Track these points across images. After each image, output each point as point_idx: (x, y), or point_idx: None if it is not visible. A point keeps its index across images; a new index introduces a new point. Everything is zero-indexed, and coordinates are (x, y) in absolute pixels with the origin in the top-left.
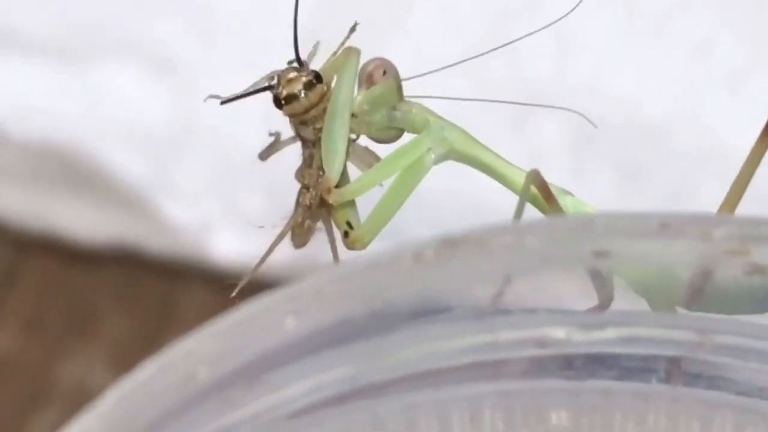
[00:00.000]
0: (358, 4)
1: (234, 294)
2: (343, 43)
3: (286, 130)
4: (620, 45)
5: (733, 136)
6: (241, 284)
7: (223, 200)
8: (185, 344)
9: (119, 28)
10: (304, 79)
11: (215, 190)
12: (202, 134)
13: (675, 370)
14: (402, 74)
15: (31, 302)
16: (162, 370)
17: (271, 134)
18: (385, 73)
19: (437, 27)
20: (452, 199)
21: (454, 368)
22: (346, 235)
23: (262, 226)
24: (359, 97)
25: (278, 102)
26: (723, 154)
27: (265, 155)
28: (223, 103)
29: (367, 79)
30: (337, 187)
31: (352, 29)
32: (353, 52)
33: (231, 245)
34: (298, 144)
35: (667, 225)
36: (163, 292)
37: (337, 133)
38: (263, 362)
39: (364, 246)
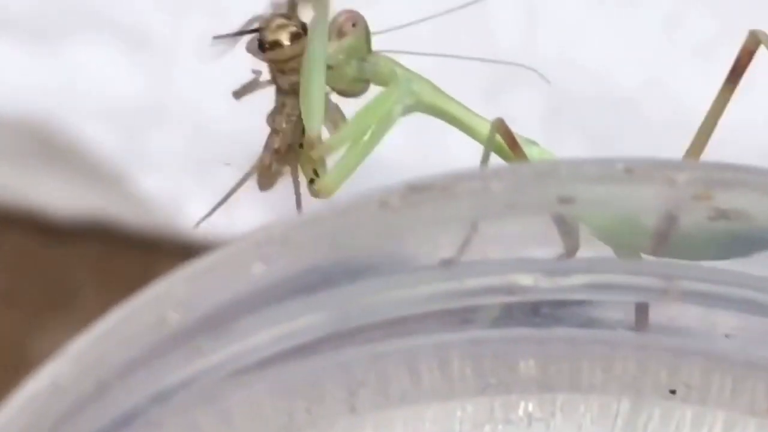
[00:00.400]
0: None
1: (195, 225)
2: None
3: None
4: (591, 15)
5: (703, 106)
6: (204, 217)
7: (196, 173)
8: (156, 288)
9: (92, 4)
10: (291, 28)
11: (189, 163)
12: (175, 108)
13: (641, 317)
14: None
15: (6, 277)
16: (130, 316)
17: (253, 71)
18: (354, 24)
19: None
20: (419, 154)
21: (422, 316)
22: (311, 182)
23: (228, 164)
24: (331, 47)
25: (261, 45)
26: (694, 124)
27: (239, 94)
28: (216, 38)
29: (337, 32)
30: None
31: None
32: (321, 3)
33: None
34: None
35: (631, 170)
36: (139, 265)
37: (315, 85)
38: (232, 309)
39: (329, 194)
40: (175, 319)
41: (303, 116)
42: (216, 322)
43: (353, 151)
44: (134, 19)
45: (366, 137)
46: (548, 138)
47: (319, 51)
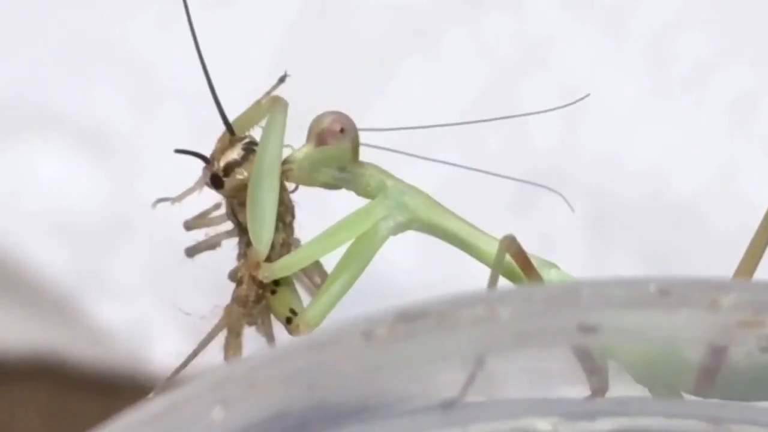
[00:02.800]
0: (337, 64)
1: (151, 396)
2: (269, 93)
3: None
4: (643, 109)
5: None
6: (163, 384)
7: (161, 300)
8: None
9: (40, 98)
10: (240, 144)
11: (153, 290)
12: (138, 223)
13: None
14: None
15: None
16: None
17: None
18: (342, 130)
19: (424, 87)
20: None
21: None
22: (288, 321)
23: (204, 317)
24: (304, 151)
25: (218, 181)
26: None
27: (192, 252)
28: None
29: (318, 136)
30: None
31: (281, 79)
32: (280, 103)
33: (172, 352)
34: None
35: (666, 292)
36: (96, 408)
37: (264, 198)
38: None
39: (309, 331)
40: None
41: (249, 229)
42: None
43: (335, 278)
44: (91, 118)
45: (350, 261)
46: (590, 255)
47: (271, 158)
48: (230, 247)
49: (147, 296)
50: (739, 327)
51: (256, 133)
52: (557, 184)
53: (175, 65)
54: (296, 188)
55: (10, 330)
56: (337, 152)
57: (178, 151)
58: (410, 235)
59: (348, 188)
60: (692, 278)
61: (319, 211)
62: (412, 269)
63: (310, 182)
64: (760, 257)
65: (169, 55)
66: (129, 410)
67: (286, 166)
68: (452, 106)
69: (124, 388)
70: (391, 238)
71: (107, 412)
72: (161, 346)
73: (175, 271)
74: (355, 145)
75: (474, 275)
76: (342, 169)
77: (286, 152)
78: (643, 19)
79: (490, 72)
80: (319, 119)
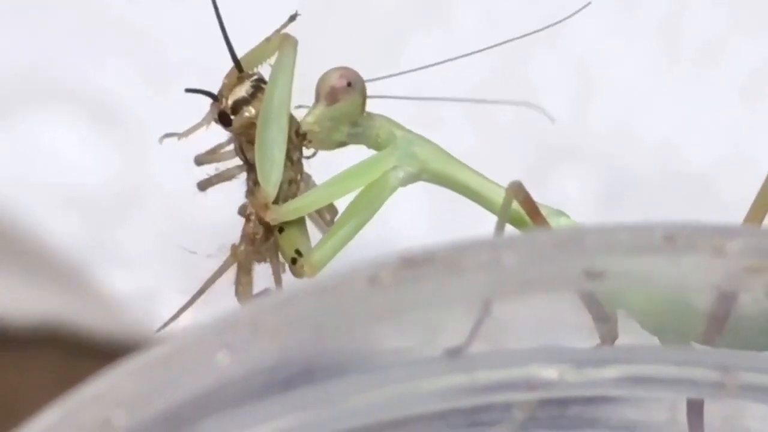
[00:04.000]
0: (348, 37)
1: (158, 330)
2: (278, 31)
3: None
4: (655, 82)
5: None
6: (171, 320)
7: (171, 268)
8: (98, 383)
9: (51, 73)
10: (249, 81)
11: (163, 259)
12: (148, 195)
13: (695, 418)
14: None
15: None
16: (69, 416)
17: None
18: (350, 84)
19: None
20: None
21: (424, 418)
22: (294, 262)
23: (210, 256)
24: (317, 113)
25: (226, 118)
26: None
27: (204, 185)
28: (165, 137)
29: (328, 95)
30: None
31: (292, 18)
32: (289, 40)
33: (183, 321)
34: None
35: (672, 238)
36: None
37: (272, 138)
38: (192, 407)
39: (314, 273)
40: (122, 422)
41: (257, 170)
42: (172, 426)
43: (342, 223)
44: (102, 92)
45: (357, 209)
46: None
47: (280, 98)
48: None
49: (156, 265)
50: (745, 273)
51: (264, 71)
52: (570, 158)
53: (187, 38)
54: (315, 153)
55: (22, 298)
56: (349, 107)
57: (188, 90)
58: (419, 195)
59: (359, 142)
60: (698, 224)
61: (327, 164)
62: (419, 234)
63: (326, 144)
64: None
65: (181, 27)
66: (134, 355)
67: (303, 130)
68: (464, 79)
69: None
70: (401, 192)
71: None
72: (170, 314)
73: (185, 242)
74: (364, 97)
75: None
76: (354, 123)
77: (298, 114)
78: None
79: (503, 46)
80: (325, 78)
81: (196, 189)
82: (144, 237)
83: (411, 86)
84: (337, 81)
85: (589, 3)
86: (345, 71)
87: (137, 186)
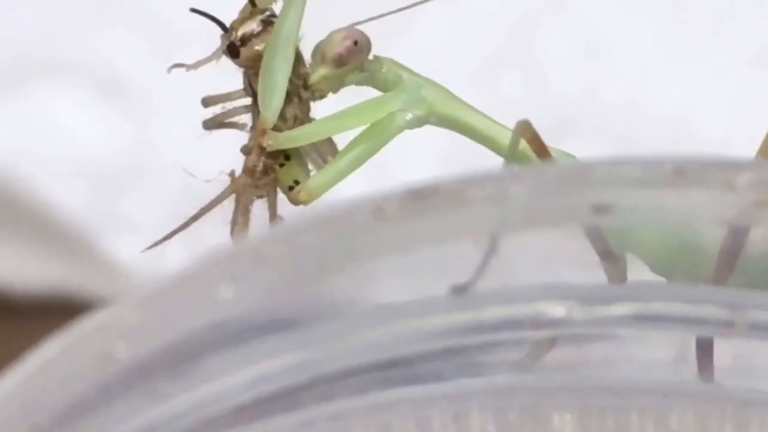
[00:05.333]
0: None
1: (146, 248)
2: None
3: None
4: (664, 55)
5: None
6: (160, 241)
7: (177, 238)
8: (100, 316)
9: (57, 45)
10: (260, 16)
11: (169, 228)
12: (157, 164)
13: (704, 357)
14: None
15: None
16: (70, 348)
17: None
18: (356, 43)
19: (447, 33)
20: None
21: (431, 356)
22: (290, 189)
23: (209, 181)
24: (322, 73)
25: (234, 50)
26: None
27: (210, 124)
28: (171, 67)
29: (335, 59)
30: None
31: None
32: None
33: (173, 258)
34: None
35: (681, 171)
36: None
37: (277, 65)
38: (195, 342)
39: (310, 200)
40: (124, 354)
41: (258, 95)
42: (175, 359)
43: (344, 156)
44: (108, 63)
45: (360, 144)
46: None
47: (288, 29)
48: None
49: (163, 234)
50: (756, 206)
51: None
52: (578, 131)
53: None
54: (323, 95)
55: (29, 268)
56: (356, 66)
57: (192, 10)
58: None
59: (366, 84)
60: (709, 157)
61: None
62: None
63: (333, 91)
64: None
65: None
66: (136, 289)
67: (310, 83)
68: (473, 53)
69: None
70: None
71: None
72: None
73: (192, 211)
74: (369, 49)
75: None
76: (360, 68)
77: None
78: None
79: (511, 19)
80: (330, 41)
81: (202, 122)
82: (151, 206)
83: (419, 58)
84: (342, 43)
85: None
86: (348, 32)
87: (144, 156)
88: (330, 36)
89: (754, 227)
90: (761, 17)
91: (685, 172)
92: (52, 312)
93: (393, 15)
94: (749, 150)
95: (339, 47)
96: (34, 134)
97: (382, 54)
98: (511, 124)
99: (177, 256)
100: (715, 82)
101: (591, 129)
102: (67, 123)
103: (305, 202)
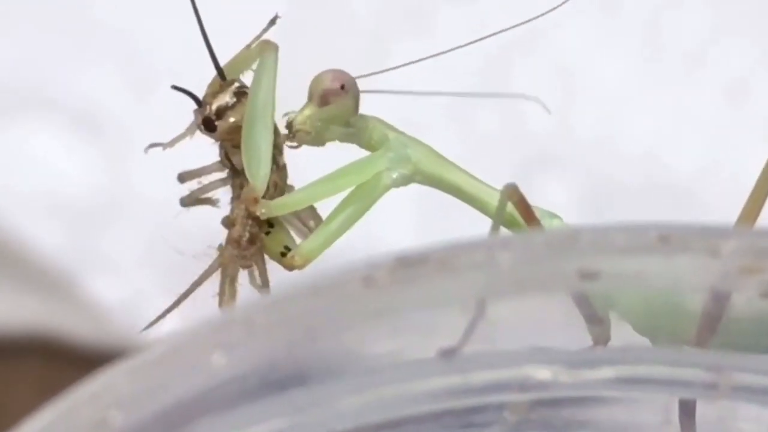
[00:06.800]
0: (332, 45)
1: (142, 330)
2: (258, 37)
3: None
4: (638, 91)
5: None
6: (154, 321)
7: (155, 277)
8: (93, 384)
9: (35, 81)
10: (231, 88)
11: (149, 266)
12: (133, 202)
13: (687, 419)
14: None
15: None
16: (64, 416)
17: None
18: (343, 87)
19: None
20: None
21: (418, 419)
22: (283, 255)
23: (196, 255)
24: (307, 113)
25: (209, 124)
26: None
27: (187, 200)
28: (150, 147)
29: (321, 97)
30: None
31: (272, 22)
32: (270, 46)
33: (166, 328)
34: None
35: (666, 238)
36: None
37: (259, 136)
38: (188, 408)
39: (304, 264)
40: (118, 422)
41: (245, 166)
42: (169, 426)
43: (334, 219)
44: (86, 100)
45: (349, 205)
46: None
47: (264, 98)
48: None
49: (141, 273)
50: (739, 273)
51: (246, 79)
52: (553, 166)
53: (169, 46)
54: (299, 146)
55: (5, 307)
56: (341, 110)
57: (174, 87)
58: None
59: (351, 141)
60: (693, 224)
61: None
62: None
63: (317, 142)
64: (761, 205)
65: (163, 36)
66: (129, 356)
67: (295, 128)
68: (446, 86)
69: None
70: (395, 198)
71: None
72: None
73: (168, 249)
74: (356, 100)
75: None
76: (346, 124)
77: (281, 113)
78: (637, 1)
79: (484, 52)
80: (318, 79)
81: (179, 199)
82: (128, 245)
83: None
84: (329, 83)
85: (565, 1)
86: (339, 74)
87: (121, 194)
88: (319, 75)
89: (737, 293)
90: (734, 53)
91: (670, 239)
92: (29, 353)
93: (367, 49)
94: (722, 185)
95: (325, 85)
96: (11, 169)
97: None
98: (488, 161)
99: (153, 298)
100: (689, 118)
101: (566, 164)
102: (44, 159)
103: (300, 267)
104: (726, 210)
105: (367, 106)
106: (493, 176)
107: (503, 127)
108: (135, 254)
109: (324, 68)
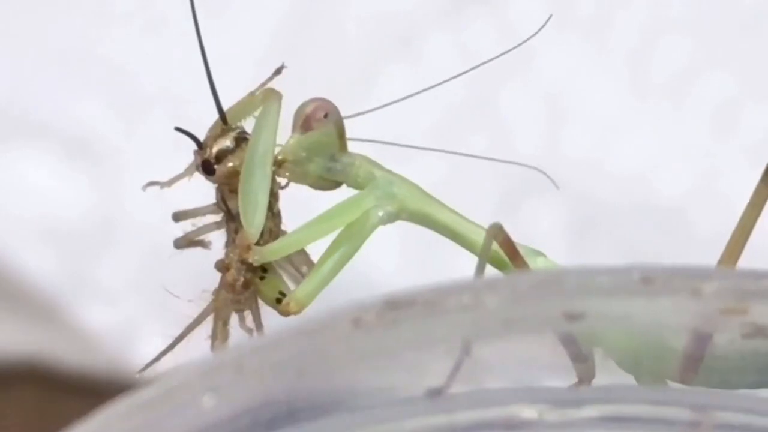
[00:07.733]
0: (320, 72)
1: (139, 372)
2: (263, 85)
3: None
4: (626, 114)
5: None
6: (150, 363)
7: (148, 304)
8: (84, 427)
9: (25, 107)
10: (233, 133)
11: (141, 295)
12: (126, 229)
13: None
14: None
15: None
16: None
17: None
18: (326, 116)
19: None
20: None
21: None
22: (278, 301)
23: (191, 300)
24: (291, 141)
25: (209, 167)
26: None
27: (180, 242)
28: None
29: (303, 123)
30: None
31: (277, 71)
32: (274, 94)
33: (164, 364)
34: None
35: (650, 280)
36: (82, 412)
37: (257, 183)
38: None
39: (300, 309)
40: None
41: (241, 213)
42: None
43: (325, 262)
44: (77, 125)
45: (339, 246)
46: (574, 255)
47: (264, 146)
48: (216, 251)
49: (133, 300)
50: (722, 314)
51: (248, 126)
52: (541, 189)
53: (160, 74)
54: (287, 184)
55: None
56: (322, 137)
57: (177, 129)
58: (395, 238)
59: (338, 179)
60: (675, 266)
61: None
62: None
63: (304, 177)
64: (743, 246)
65: (154, 61)
66: (120, 398)
67: (280, 158)
68: (435, 112)
69: (111, 392)
70: (379, 233)
71: None
72: (148, 350)
73: (161, 276)
74: (341, 131)
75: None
76: (331, 158)
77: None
78: (624, 26)
79: (473, 79)
80: (302, 107)
81: (173, 241)
82: (120, 272)
83: (382, 119)
84: (311, 110)
85: (550, 17)
86: (321, 102)
87: (113, 220)
88: (304, 102)
89: (719, 333)
90: (721, 76)
91: (653, 281)
92: (21, 379)
93: (353, 74)
94: (708, 209)
95: (308, 111)
96: (3, 195)
97: (346, 116)
98: (476, 185)
99: (146, 325)
100: (676, 141)
101: (553, 188)
102: (35, 185)
103: (296, 312)
104: (714, 232)
105: (353, 129)
106: (480, 201)
107: (492, 150)
108: (127, 280)
109: (311, 95)
